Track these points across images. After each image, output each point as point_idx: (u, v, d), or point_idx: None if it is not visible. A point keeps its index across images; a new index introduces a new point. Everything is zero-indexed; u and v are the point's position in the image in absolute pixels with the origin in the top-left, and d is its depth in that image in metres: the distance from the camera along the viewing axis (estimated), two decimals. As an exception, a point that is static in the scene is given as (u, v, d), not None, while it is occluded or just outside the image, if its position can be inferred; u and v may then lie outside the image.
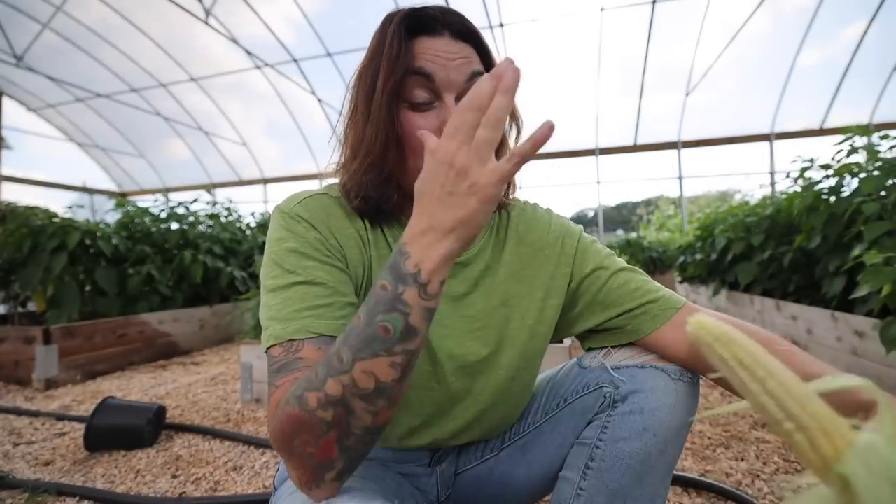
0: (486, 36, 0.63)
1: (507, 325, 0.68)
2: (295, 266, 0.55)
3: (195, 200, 3.88)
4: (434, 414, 0.67)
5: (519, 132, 0.68)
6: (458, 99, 0.58)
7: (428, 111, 0.58)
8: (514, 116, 0.66)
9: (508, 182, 0.70)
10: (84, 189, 9.18)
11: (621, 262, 0.71)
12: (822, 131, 6.64)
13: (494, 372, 0.68)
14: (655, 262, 6.51)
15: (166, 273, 3.22)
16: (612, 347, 0.69)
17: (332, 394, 0.42)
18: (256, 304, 2.51)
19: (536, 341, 0.70)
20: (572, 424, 0.69)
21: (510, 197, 0.72)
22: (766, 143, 6.95)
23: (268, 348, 0.52)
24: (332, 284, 0.55)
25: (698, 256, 3.84)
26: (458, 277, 0.68)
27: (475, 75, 0.59)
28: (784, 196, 2.86)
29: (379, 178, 0.60)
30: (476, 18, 0.62)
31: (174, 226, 3.61)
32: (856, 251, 1.82)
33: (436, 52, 0.57)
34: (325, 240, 0.58)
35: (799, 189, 2.53)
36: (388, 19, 0.60)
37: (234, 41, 5.57)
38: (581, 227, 0.75)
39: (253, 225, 4.46)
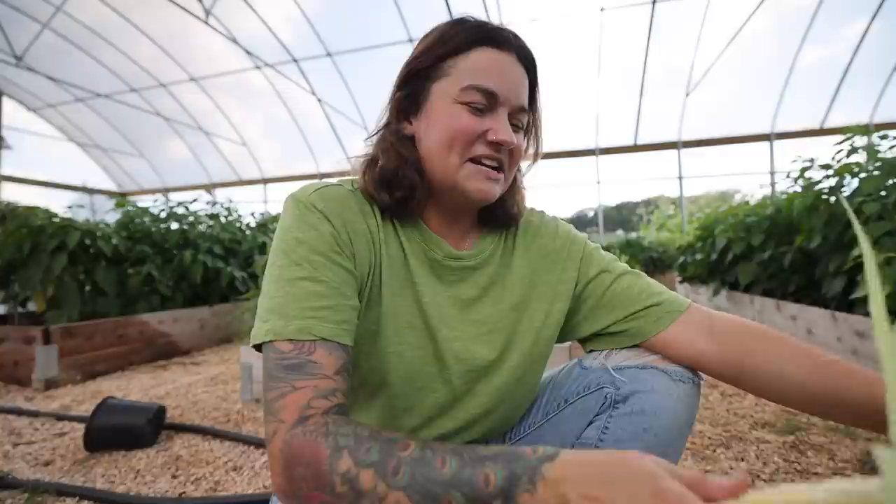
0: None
1: (515, 329, 0.69)
2: (302, 259, 0.54)
3: (195, 200, 3.87)
4: (435, 416, 0.67)
5: (538, 145, 0.70)
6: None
7: (481, 115, 0.60)
8: (537, 131, 0.69)
9: (518, 193, 0.71)
10: (84, 189, 9.18)
11: (625, 266, 0.72)
12: (822, 131, 6.64)
13: (499, 374, 0.68)
14: (655, 263, 6.51)
15: (166, 273, 3.22)
16: (614, 349, 0.69)
17: (360, 482, 0.40)
18: (256, 304, 2.51)
19: (541, 345, 0.70)
20: (573, 425, 0.69)
21: (523, 209, 0.73)
22: (766, 143, 6.95)
23: (268, 341, 0.51)
24: (336, 285, 0.55)
25: (698, 256, 3.84)
26: (467, 282, 0.68)
27: (521, 110, 0.62)
28: (784, 196, 2.86)
29: (413, 169, 0.62)
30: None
31: (174, 226, 3.60)
32: (856, 251, 1.81)
33: (502, 70, 0.59)
34: (337, 234, 0.57)
35: (799, 189, 2.53)
36: (461, 21, 0.61)
37: (234, 41, 5.56)
38: (586, 234, 0.76)
39: (253, 225, 4.45)
